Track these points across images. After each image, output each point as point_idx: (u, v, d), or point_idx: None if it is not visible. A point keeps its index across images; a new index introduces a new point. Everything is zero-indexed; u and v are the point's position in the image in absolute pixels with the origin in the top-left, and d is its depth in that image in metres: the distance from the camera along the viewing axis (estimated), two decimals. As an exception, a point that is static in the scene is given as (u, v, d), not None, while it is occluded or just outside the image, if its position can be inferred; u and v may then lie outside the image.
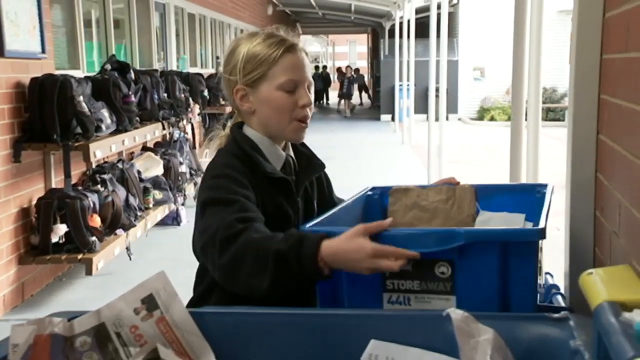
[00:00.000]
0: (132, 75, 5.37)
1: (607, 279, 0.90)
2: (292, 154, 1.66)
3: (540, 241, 1.30)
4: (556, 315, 1.02)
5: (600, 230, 1.58)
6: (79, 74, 5.21)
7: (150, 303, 1.07)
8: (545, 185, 1.65)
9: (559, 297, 1.65)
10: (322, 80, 24.42)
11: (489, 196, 1.66)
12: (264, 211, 1.47)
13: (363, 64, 30.24)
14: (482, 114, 18.10)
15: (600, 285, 0.87)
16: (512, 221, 1.50)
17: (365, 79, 25.71)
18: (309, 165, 1.67)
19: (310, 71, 1.62)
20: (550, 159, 4.23)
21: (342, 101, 21.39)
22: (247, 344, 1.08)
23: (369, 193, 1.68)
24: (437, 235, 1.21)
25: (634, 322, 0.76)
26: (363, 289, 1.25)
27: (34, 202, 4.42)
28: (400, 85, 14.35)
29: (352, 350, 1.05)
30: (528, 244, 1.24)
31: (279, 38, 1.60)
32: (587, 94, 1.59)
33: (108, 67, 5.20)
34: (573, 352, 0.92)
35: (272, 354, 1.06)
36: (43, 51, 4.63)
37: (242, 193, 1.44)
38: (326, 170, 1.77)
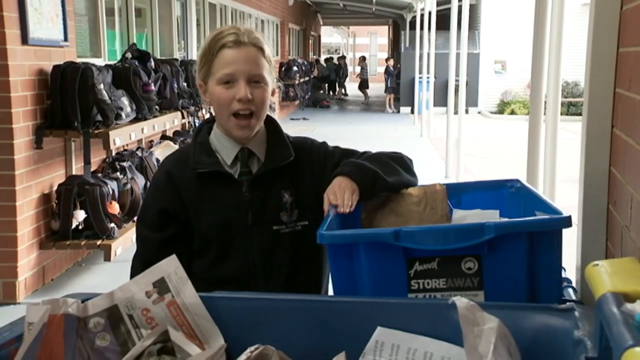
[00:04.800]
0: (152, 64, 5.41)
1: (612, 270, 0.90)
2: (254, 145, 1.68)
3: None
4: (561, 306, 1.02)
5: (612, 223, 1.57)
6: (100, 62, 5.27)
7: (161, 287, 1.09)
8: (516, 180, 1.63)
9: (570, 290, 1.65)
10: (335, 71, 24.14)
11: (459, 194, 1.65)
12: (198, 199, 1.64)
13: (383, 56, 30.04)
14: (503, 107, 17.96)
15: (604, 277, 0.88)
16: (488, 217, 1.49)
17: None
18: (272, 156, 1.68)
19: (257, 64, 1.61)
20: (569, 154, 4.21)
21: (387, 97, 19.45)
22: (256, 329, 1.10)
23: None
24: (465, 230, 1.21)
25: (635, 313, 0.76)
26: (387, 292, 1.23)
27: (54, 188, 4.49)
28: (420, 77, 14.29)
29: (359, 336, 1.06)
30: (555, 233, 1.24)
31: (223, 34, 1.62)
32: (603, 88, 1.58)
33: (129, 55, 5.24)
34: (576, 342, 0.93)
35: (279, 339, 1.07)
36: (65, 39, 4.68)
37: (154, 224, 1.67)
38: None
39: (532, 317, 1.01)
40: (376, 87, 25.41)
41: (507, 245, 1.19)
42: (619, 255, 1.47)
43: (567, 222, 1.20)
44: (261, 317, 1.10)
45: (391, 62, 20.07)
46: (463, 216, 1.57)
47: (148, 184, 5.08)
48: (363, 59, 24.10)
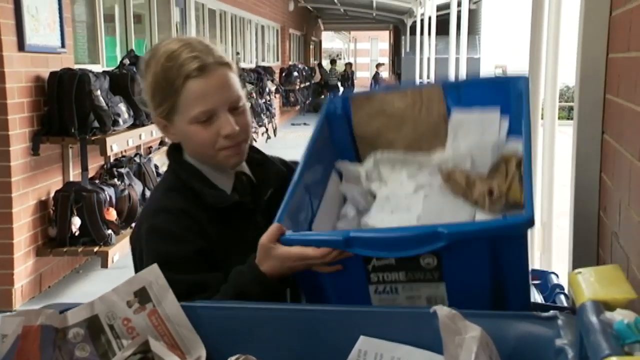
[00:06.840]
0: (150, 71, 5.40)
1: (595, 278, 0.89)
2: (245, 168, 1.47)
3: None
4: (544, 314, 1.01)
5: (603, 230, 1.57)
6: (98, 68, 5.27)
7: (142, 296, 1.08)
8: (524, 79, 1.43)
9: (562, 297, 1.63)
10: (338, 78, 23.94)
11: (459, 91, 1.52)
12: (222, 240, 1.36)
13: (384, 61, 30.07)
14: (504, 112, 17.94)
15: (586, 284, 0.87)
16: (488, 121, 1.40)
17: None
18: (266, 176, 1.48)
19: (234, 87, 1.36)
20: (569, 158, 4.18)
21: None
22: (238, 338, 1.09)
23: (329, 106, 1.50)
24: (416, 237, 1.13)
25: (614, 322, 0.75)
26: (347, 285, 1.20)
27: (52, 194, 4.49)
28: (421, 82, 14.29)
29: (342, 345, 1.05)
30: (517, 236, 1.18)
31: (181, 62, 1.32)
32: (593, 93, 1.58)
33: (126, 62, 5.25)
34: (558, 350, 0.92)
35: (262, 348, 1.06)
36: (62, 46, 4.69)
37: (176, 254, 1.32)
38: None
39: (514, 325, 1.00)
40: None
41: (466, 247, 1.12)
42: (608, 262, 1.46)
43: (528, 223, 1.11)
44: (243, 326, 1.09)
45: (381, 68, 19.41)
46: (460, 121, 1.45)
47: (146, 190, 5.08)
48: (333, 62, 24.13)
